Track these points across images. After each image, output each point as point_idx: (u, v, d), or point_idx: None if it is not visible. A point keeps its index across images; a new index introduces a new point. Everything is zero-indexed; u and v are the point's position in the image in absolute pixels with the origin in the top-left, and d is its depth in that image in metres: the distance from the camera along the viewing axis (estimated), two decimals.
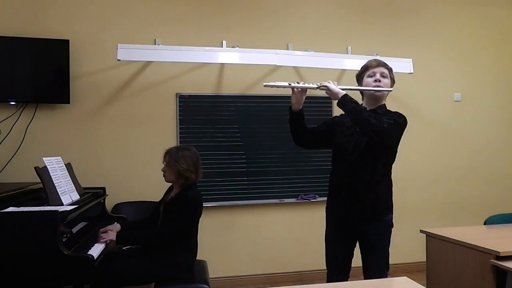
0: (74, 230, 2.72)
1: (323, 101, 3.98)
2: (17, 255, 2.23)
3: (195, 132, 3.93)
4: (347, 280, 2.40)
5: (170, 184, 2.91)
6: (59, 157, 2.89)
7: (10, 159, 3.51)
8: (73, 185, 2.89)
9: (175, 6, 3.93)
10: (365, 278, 2.36)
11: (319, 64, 3.88)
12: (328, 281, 2.42)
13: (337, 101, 2.28)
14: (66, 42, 3.57)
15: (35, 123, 3.59)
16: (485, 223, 3.04)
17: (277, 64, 3.87)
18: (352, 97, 2.26)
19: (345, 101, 2.23)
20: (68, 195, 2.72)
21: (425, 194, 4.50)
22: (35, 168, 2.55)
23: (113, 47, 3.44)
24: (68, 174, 2.91)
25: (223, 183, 3.99)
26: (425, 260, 2.80)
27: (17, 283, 2.24)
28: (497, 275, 2.22)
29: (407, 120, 2.34)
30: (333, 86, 2.29)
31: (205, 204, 3.78)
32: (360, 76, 2.44)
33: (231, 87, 4.03)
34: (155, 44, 3.76)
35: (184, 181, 2.73)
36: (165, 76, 3.89)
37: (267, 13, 4.13)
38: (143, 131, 3.83)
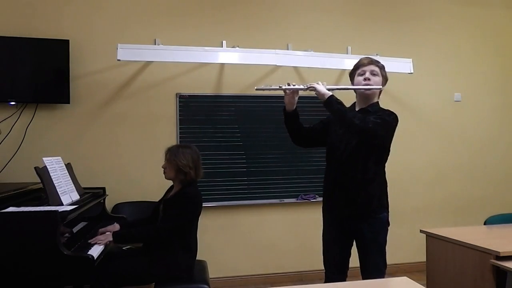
0: (74, 230, 2.72)
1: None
2: (17, 255, 2.23)
3: (195, 132, 3.93)
4: (345, 280, 2.41)
5: (171, 184, 2.92)
6: (59, 157, 2.89)
7: (10, 159, 3.51)
8: (73, 185, 2.89)
9: (175, 6, 3.93)
10: (362, 277, 2.37)
11: (319, 64, 3.88)
12: (326, 281, 2.43)
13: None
14: (66, 42, 3.57)
15: (35, 123, 3.59)
16: (485, 223, 3.04)
17: (277, 64, 3.88)
18: (338, 98, 2.27)
19: (331, 102, 2.25)
20: (68, 195, 2.72)
21: (425, 194, 4.50)
22: (35, 168, 2.55)
23: (113, 47, 3.44)
24: (68, 174, 2.91)
25: (223, 183, 3.99)
26: (425, 260, 2.80)
27: (17, 283, 2.24)
28: (497, 275, 2.22)
29: (398, 118, 2.35)
30: (321, 87, 2.31)
31: (205, 204, 3.80)
32: (351, 75, 2.47)
33: (231, 87, 4.03)
34: (155, 44, 3.76)
35: (183, 176, 2.73)
36: (165, 76, 3.89)
37: (267, 13, 4.13)
38: (143, 131, 3.83)
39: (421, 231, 2.83)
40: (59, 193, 2.61)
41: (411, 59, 4.16)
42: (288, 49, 4.05)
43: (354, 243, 2.45)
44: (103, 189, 3.38)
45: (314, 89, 2.32)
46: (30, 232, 2.24)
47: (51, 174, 2.63)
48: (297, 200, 4.14)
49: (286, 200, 4.12)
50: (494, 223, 3.01)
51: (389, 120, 2.30)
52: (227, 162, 3.99)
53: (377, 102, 2.42)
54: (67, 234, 2.53)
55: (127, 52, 3.44)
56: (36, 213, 2.30)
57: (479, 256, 2.31)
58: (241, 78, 4.03)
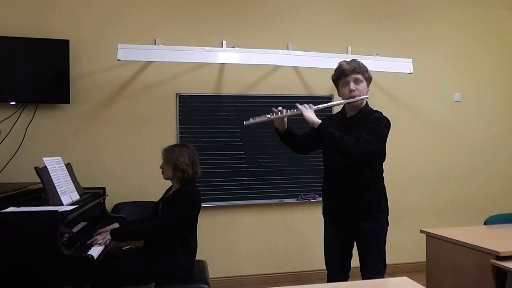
0: (74, 230, 2.72)
1: (323, 101, 3.98)
2: (17, 255, 2.23)
3: (195, 132, 3.93)
4: (347, 280, 2.42)
5: (170, 184, 2.92)
6: (59, 157, 2.89)
7: (10, 159, 3.51)
8: (73, 185, 2.89)
9: (175, 6, 3.93)
10: (362, 276, 2.38)
11: (319, 64, 3.88)
12: (328, 281, 2.44)
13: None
14: (66, 42, 3.57)
15: (35, 123, 3.59)
16: (485, 223, 3.04)
17: (277, 64, 3.88)
18: (328, 126, 2.26)
19: (321, 131, 2.25)
20: (68, 195, 2.72)
21: (425, 194, 4.50)
22: (35, 168, 2.55)
23: (113, 47, 3.44)
24: (68, 174, 2.91)
25: (223, 183, 3.99)
26: (425, 260, 2.80)
27: (17, 283, 2.24)
28: (497, 275, 2.22)
29: (391, 121, 2.35)
30: (308, 113, 2.29)
31: (205, 204, 3.81)
32: (335, 82, 2.45)
33: (231, 87, 4.03)
34: (155, 44, 3.76)
35: (181, 174, 2.75)
36: (165, 76, 3.89)
37: (267, 13, 4.13)
38: (143, 131, 3.83)
39: (421, 231, 2.83)
40: (59, 193, 2.61)
41: (411, 59, 4.16)
42: (288, 49, 4.05)
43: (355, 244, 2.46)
44: (103, 189, 3.38)
45: (301, 114, 2.30)
46: (30, 232, 2.24)
47: (51, 174, 2.62)
48: (297, 200, 4.14)
49: (286, 200, 4.12)
50: (494, 223, 3.01)
51: (382, 132, 2.30)
52: (227, 162, 3.99)
53: (366, 104, 2.42)
54: (66, 234, 2.53)
55: (127, 52, 3.44)
56: (36, 213, 2.30)
57: (479, 256, 2.31)
58: (241, 78, 4.03)
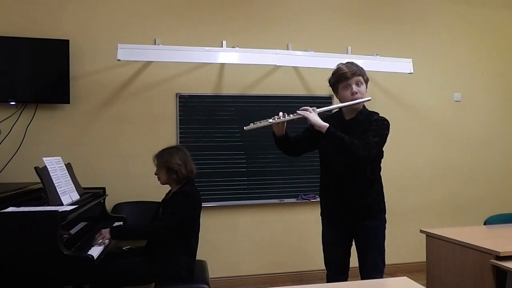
0: (74, 230, 2.72)
1: (323, 101, 3.99)
2: (17, 255, 2.23)
3: (195, 132, 3.93)
4: (346, 280, 2.42)
5: None
6: (59, 157, 2.89)
7: (10, 159, 3.51)
8: (73, 185, 2.89)
9: (175, 6, 3.93)
10: (361, 275, 2.38)
11: (319, 64, 3.88)
12: (328, 281, 2.44)
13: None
14: (66, 42, 3.57)
15: (35, 123, 3.59)
16: (485, 223, 3.04)
17: (277, 64, 3.88)
18: (335, 129, 2.23)
19: (330, 135, 2.22)
20: (68, 195, 2.72)
21: (425, 194, 4.50)
22: (35, 168, 2.55)
23: (113, 47, 3.43)
24: (68, 174, 2.91)
25: (223, 183, 3.98)
26: (425, 260, 2.80)
27: (17, 283, 2.24)
28: (497, 275, 2.22)
29: (390, 121, 2.35)
30: (313, 117, 2.25)
31: (205, 204, 3.80)
32: (334, 86, 2.42)
33: (231, 87, 4.02)
34: (155, 44, 3.76)
35: (175, 175, 2.75)
36: (165, 76, 3.89)
37: (267, 13, 4.13)
38: (143, 131, 3.83)
39: (421, 231, 2.83)
40: (59, 193, 2.61)
41: (411, 59, 4.16)
42: (288, 49, 4.05)
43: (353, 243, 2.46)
44: (103, 189, 3.38)
45: (306, 119, 2.26)
46: (30, 232, 2.24)
47: (51, 174, 2.62)
48: (297, 200, 4.14)
49: (286, 200, 4.12)
50: (494, 223, 3.01)
51: (385, 133, 2.31)
52: (227, 162, 3.99)
53: (364, 106, 2.41)
54: (66, 236, 2.53)
55: (127, 52, 3.44)
56: (36, 213, 2.30)
57: (479, 256, 2.31)
58: (241, 78, 4.03)
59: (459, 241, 2.47)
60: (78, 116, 3.71)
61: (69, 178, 2.89)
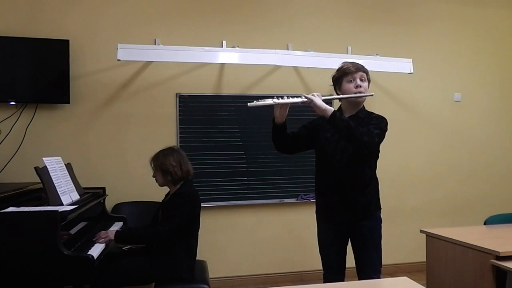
0: (74, 230, 2.72)
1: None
2: (17, 255, 2.23)
3: (195, 132, 3.93)
4: (343, 279, 2.42)
5: None
6: (59, 157, 2.89)
7: (10, 159, 3.51)
8: (73, 185, 2.89)
9: (175, 6, 3.93)
10: (358, 275, 2.38)
11: (319, 64, 3.88)
12: (325, 281, 2.44)
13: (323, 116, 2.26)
14: (66, 42, 3.57)
15: (35, 123, 3.59)
16: (485, 223, 3.04)
17: (277, 64, 3.88)
18: (340, 114, 2.24)
19: (335, 119, 2.20)
20: (68, 195, 2.72)
21: (425, 194, 4.50)
22: (35, 168, 2.54)
23: (113, 47, 3.44)
24: (68, 174, 2.90)
25: (223, 183, 3.99)
26: (425, 260, 2.80)
27: (17, 283, 2.24)
28: (497, 275, 2.22)
29: (390, 122, 2.37)
30: (319, 101, 2.24)
31: (205, 204, 3.81)
32: (338, 80, 2.42)
33: (231, 87, 4.03)
34: (155, 44, 3.76)
35: (170, 177, 2.75)
36: (165, 76, 3.89)
37: (267, 13, 4.13)
38: (143, 131, 3.83)
39: (421, 231, 2.83)
40: (59, 193, 2.60)
41: (411, 59, 4.16)
42: (288, 49, 4.05)
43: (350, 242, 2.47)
44: (103, 189, 3.37)
45: (312, 101, 2.24)
46: (30, 232, 2.23)
47: (51, 174, 2.62)
48: (297, 200, 4.14)
49: (286, 200, 4.12)
50: (494, 223, 3.01)
51: (384, 128, 2.32)
52: (227, 162, 3.99)
53: (363, 106, 2.43)
54: (65, 237, 2.53)
55: (127, 52, 3.44)
56: (36, 213, 2.29)
57: (479, 256, 2.31)
58: (241, 78, 4.03)
59: (459, 241, 2.47)
60: (78, 116, 3.71)
61: (69, 178, 2.89)
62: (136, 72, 3.83)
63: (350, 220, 2.36)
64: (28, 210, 2.35)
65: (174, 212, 2.66)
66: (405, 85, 4.42)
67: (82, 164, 3.48)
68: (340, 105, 2.47)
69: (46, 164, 2.64)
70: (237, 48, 3.80)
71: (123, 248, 3.09)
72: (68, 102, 3.60)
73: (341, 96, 2.40)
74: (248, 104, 2.31)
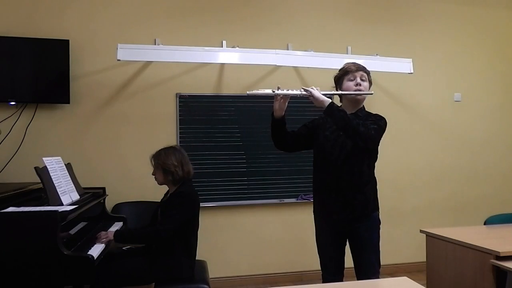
0: (74, 230, 2.72)
1: None
2: (17, 255, 2.23)
3: (195, 132, 3.93)
4: (342, 280, 2.42)
5: None
6: (59, 157, 2.89)
7: (10, 159, 3.51)
8: (73, 185, 2.89)
9: (175, 6, 3.93)
10: (357, 277, 2.38)
11: (319, 64, 3.88)
12: (324, 282, 2.43)
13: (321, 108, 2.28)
14: (66, 42, 3.57)
15: (35, 123, 3.59)
16: (485, 223, 3.04)
17: (277, 64, 3.88)
18: (338, 105, 2.27)
19: (332, 110, 2.24)
20: (68, 195, 2.72)
21: (425, 194, 4.50)
22: (35, 168, 2.55)
23: (113, 47, 3.44)
24: (68, 174, 2.90)
25: (223, 183, 3.98)
26: (425, 260, 2.81)
27: (17, 283, 2.24)
28: (497, 275, 2.22)
29: (390, 122, 2.39)
30: (317, 93, 2.28)
31: (205, 204, 3.81)
32: (339, 79, 2.46)
33: (231, 87, 4.02)
34: (155, 44, 3.76)
35: (171, 177, 2.75)
36: (165, 76, 3.89)
37: (267, 13, 4.13)
38: (143, 131, 3.83)
39: (421, 231, 2.83)
40: (59, 193, 2.60)
41: (411, 59, 4.16)
42: (288, 49, 4.05)
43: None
44: (103, 189, 3.37)
45: (310, 94, 2.28)
46: (30, 232, 2.23)
47: (51, 174, 2.62)
48: (297, 200, 4.14)
49: (286, 200, 4.12)
50: (494, 223, 3.01)
51: (382, 126, 2.34)
52: (227, 162, 3.99)
53: (363, 106, 2.44)
54: (65, 239, 2.53)
55: (127, 52, 3.44)
56: (36, 213, 2.29)
57: (479, 256, 2.31)
58: (241, 78, 4.03)
59: (459, 241, 2.47)
60: (78, 116, 3.71)
61: (69, 178, 2.89)
62: (136, 72, 3.83)
63: (347, 219, 2.35)
64: (28, 210, 2.35)
65: (173, 212, 2.66)
66: (405, 85, 4.42)
67: (82, 164, 3.48)
68: (341, 105, 2.47)
69: (46, 164, 2.64)
70: (237, 48, 3.80)
71: (123, 248, 3.09)
72: (68, 102, 3.60)
73: (340, 92, 2.43)
74: (247, 92, 2.35)
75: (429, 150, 4.53)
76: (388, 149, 4.20)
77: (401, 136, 4.37)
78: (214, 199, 3.95)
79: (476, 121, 4.65)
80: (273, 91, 2.31)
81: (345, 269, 2.48)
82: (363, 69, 2.42)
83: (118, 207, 3.66)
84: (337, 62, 3.94)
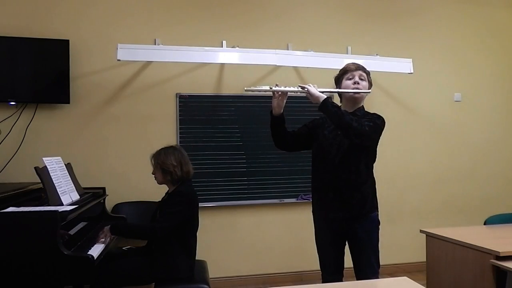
0: (74, 230, 2.72)
1: None
2: (17, 255, 2.23)
3: (195, 132, 3.93)
4: (342, 280, 2.42)
5: None
6: (59, 157, 2.89)
7: (10, 159, 3.51)
8: (73, 185, 2.89)
9: (175, 6, 3.93)
10: (357, 277, 2.38)
11: (319, 64, 3.88)
12: (323, 282, 2.43)
13: (317, 104, 2.30)
14: (66, 42, 3.57)
15: (35, 123, 3.59)
16: (485, 223, 3.04)
17: (277, 64, 3.88)
18: (333, 101, 2.28)
19: (327, 105, 2.26)
20: (68, 195, 2.72)
21: (425, 194, 4.50)
22: (35, 168, 2.55)
23: (113, 47, 3.44)
24: (68, 174, 2.91)
25: (223, 183, 3.98)
26: (425, 260, 2.81)
27: (17, 283, 2.24)
28: (497, 275, 2.22)
29: (385, 121, 2.38)
30: (314, 90, 2.32)
31: (205, 204, 3.81)
32: (339, 79, 2.48)
33: (231, 87, 4.02)
34: (155, 44, 3.76)
35: (170, 176, 2.75)
36: (165, 76, 3.89)
37: (267, 13, 4.13)
38: (143, 131, 3.83)
39: (421, 231, 2.83)
40: (59, 193, 2.61)
41: (411, 59, 4.16)
42: (288, 49, 4.05)
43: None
44: (103, 189, 3.38)
45: (307, 91, 2.32)
46: (30, 232, 2.24)
47: (51, 174, 2.62)
48: (297, 200, 4.14)
49: (286, 200, 4.12)
50: (494, 223, 3.01)
51: (380, 124, 2.34)
52: (227, 162, 3.99)
53: (363, 106, 2.44)
54: (66, 237, 2.53)
55: (127, 52, 3.44)
56: (36, 213, 2.30)
57: (479, 256, 2.31)
58: (241, 78, 4.02)
59: (459, 241, 2.47)
60: (78, 116, 3.71)
61: (69, 178, 2.89)
62: (136, 72, 3.83)
63: (344, 217, 2.34)
64: (28, 210, 2.35)
65: (170, 210, 2.66)
66: (405, 85, 4.42)
67: (82, 164, 3.48)
68: (340, 105, 2.48)
69: (46, 164, 2.64)
70: (237, 48, 3.80)
71: (123, 248, 3.09)
72: (68, 102, 3.60)
73: (337, 90, 2.46)
74: (245, 88, 2.40)
75: (429, 150, 4.53)
76: (388, 149, 4.22)
77: (401, 136, 4.37)
78: (214, 199, 3.95)
79: (476, 121, 4.65)
80: (270, 88, 2.35)
81: (344, 269, 2.47)
82: (362, 69, 2.43)
83: (118, 207, 3.66)
84: (337, 62, 3.96)
